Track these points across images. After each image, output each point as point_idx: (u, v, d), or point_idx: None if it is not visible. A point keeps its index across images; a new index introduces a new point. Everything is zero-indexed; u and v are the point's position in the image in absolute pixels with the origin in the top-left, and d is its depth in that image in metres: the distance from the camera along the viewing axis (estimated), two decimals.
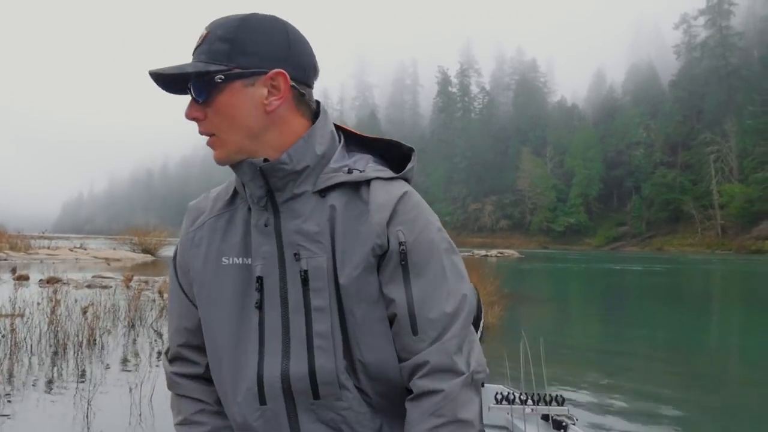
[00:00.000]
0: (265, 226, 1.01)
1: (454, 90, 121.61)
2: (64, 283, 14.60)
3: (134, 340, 8.01)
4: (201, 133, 1.00)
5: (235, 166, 1.01)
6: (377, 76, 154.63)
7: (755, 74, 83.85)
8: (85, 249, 30.85)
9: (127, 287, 9.21)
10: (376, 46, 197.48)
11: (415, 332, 0.97)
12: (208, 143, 1.01)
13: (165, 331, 8.51)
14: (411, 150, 1.16)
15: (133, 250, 31.82)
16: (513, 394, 2.61)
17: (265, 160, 0.99)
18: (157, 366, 6.49)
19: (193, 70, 0.95)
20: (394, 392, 1.02)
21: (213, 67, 0.95)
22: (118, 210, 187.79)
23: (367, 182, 1.03)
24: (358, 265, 0.97)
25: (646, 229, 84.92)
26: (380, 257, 0.99)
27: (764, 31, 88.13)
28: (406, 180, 1.11)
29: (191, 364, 1.12)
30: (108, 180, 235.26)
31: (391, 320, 0.99)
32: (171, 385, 1.13)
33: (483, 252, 49.91)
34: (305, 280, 0.98)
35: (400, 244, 0.99)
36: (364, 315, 0.98)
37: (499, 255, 49.67)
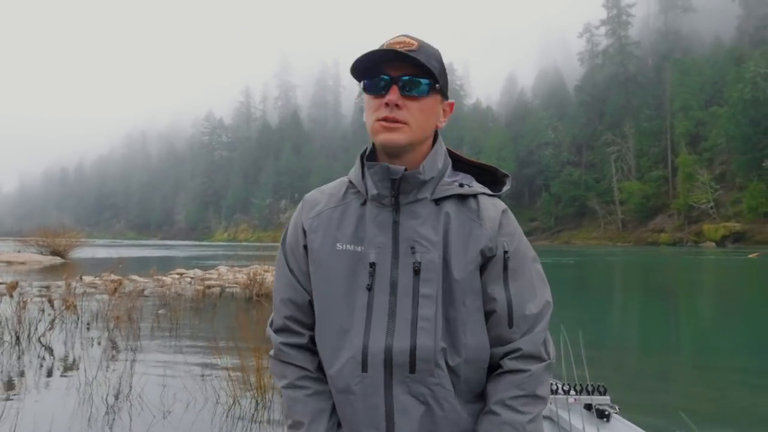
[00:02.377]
0: (388, 222, 1.17)
1: None
2: None
3: (19, 356, 6.75)
4: (391, 118, 1.16)
5: (371, 167, 1.20)
6: (300, 77, 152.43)
7: (650, 81, 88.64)
8: None
9: (11, 296, 7.82)
10: (299, 47, 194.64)
11: (510, 325, 1.16)
12: (388, 126, 1.16)
13: (55, 345, 7.27)
14: (506, 176, 1.29)
15: (41, 252, 29.18)
16: (556, 384, 2.61)
17: (406, 169, 1.17)
18: (45, 388, 5.35)
19: (426, 63, 1.14)
20: (477, 376, 1.17)
21: (428, 78, 1.15)
22: (30, 210, 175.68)
23: (475, 196, 1.21)
24: (471, 262, 1.14)
25: (555, 223, 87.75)
26: (488, 259, 1.16)
27: (657, 41, 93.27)
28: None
29: (296, 335, 1.25)
30: (18, 179, 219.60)
31: (490, 314, 1.17)
32: (278, 354, 1.26)
33: None
34: (417, 271, 1.13)
35: (505, 252, 1.17)
36: (471, 305, 1.14)
37: None
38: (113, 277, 13.29)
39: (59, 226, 34.52)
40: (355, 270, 1.16)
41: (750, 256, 41.70)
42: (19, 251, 30.03)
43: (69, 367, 6.32)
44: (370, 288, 1.14)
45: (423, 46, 1.15)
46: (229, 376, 4.75)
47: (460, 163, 1.30)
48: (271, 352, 1.28)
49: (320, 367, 1.22)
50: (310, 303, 1.22)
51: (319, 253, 1.20)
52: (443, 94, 1.20)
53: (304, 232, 1.23)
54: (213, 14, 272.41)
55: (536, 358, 1.17)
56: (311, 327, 1.23)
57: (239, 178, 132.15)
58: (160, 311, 9.91)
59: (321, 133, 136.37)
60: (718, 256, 44.23)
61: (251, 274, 14.04)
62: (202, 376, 5.50)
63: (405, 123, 1.15)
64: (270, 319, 1.30)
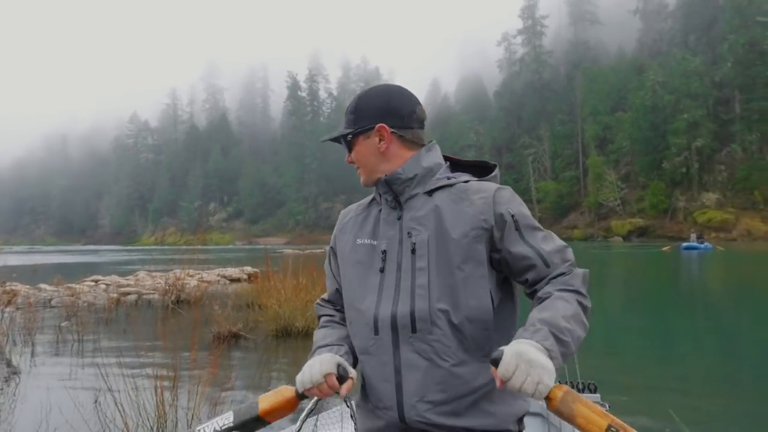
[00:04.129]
0: (394, 219, 1.40)
1: (304, 95, 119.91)
2: None
3: None
4: (356, 168, 1.48)
5: (375, 183, 1.46)
6: (227, 80, 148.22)
7: (563, 87, 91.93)
8: None
9: None
10: (225, 50, 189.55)
11: (548, 266, 1.32)
12: (358, 173, 1.47)
13: None
14: (495, 165, 1.49)
15: None
16: None
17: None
18: None
19: (337, 134, 1.47)
20: (482, 334, 1.32)
21: (346, 131, 1.44)
22: None
23: (465, 182, 1.41)
24: (465, 235, 1.32)
25: None
26: (490, 230, 1.33)
27: (569, 51, 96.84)
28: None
29: (329, 310, 1.57)
30: None
31: (528, 269, 1.33)
32: (317, 309, 1.59)
33: None
34: (413, 250, 1.35)
35: (512, 216, 1.35)
36: (470, 271, 1.31)
37: None
38: (9, 286, 11.86)
39: None
40: (371, 258, 1.40)
41: (663, 249, 43.70)
42: None
43: None
44: (382, 270, 1.37)
45: (347, 107, 1.48)
46: (128, 400, 3.93)
47: (459, 166, 1.50)
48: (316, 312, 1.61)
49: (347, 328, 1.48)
50: (338, 291, 1.52)
51: (343, 248, 1.48)
52: (364, 130, 1.43)
53: (336, 237, 1.54)
54: (136, 15, 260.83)
55: (574, 271, 1.33)
56: (342, 309, 1.51)
57: (166, 181, 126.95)
58: (62, 324, 8.77)
59: (250, 136, 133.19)
60: (630, 250, 46.09)
61: (171, 278, 12.93)
62: (95, 402, 4.62)
63: (358, 167, 1.47)
64: (322, 295, 1.62)
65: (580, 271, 1.33)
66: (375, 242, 1.41)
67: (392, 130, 1.41)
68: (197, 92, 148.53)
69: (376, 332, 1.34)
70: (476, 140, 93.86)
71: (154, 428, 3.81)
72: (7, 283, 13.27)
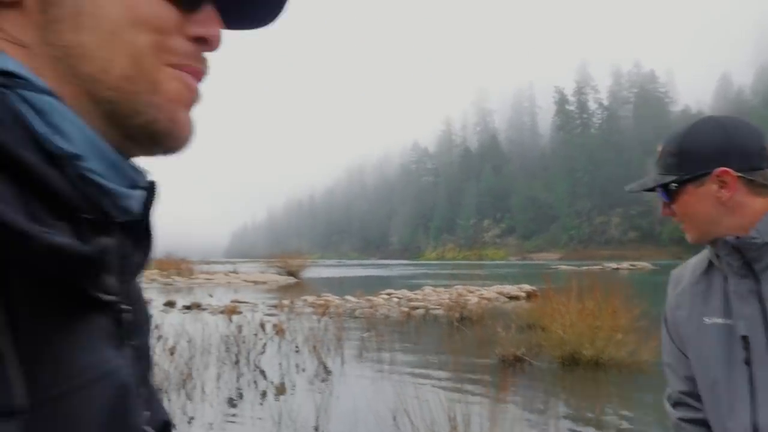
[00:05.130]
0: (749, 292, 1.07)
1: (572, 108, 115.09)
2: (203, 309, 14.21)
3: (238, 377, 6.76)
4: (676, 221, 1.15)
5: (712, 242, 1.13)
6: (496, 102, 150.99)
7: None
8: (237, 273, 31.43)
9: (230, 320, 7.99)
10: (493, 73, 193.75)
11: None
12: (681, 228, 1.15)
13: (268, 368, 7.19)
14: None
15: (279, 273, 31.96)
16: None
17: (737, 237, 1.07)
18: (261, 404, 5.11)
19: (653, 184, 1.14)
20: None
21: (669, 178, 1.12)
22: (276, 237, 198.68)
23: None
24: None
25: None
26: None
27: None
28: None
29: (693, 410, 1.20)
30: (267, 211, 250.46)
31: None
32: (677, 428, 1.24)
33: (613, 265, 45.09)
34: None
35: None
36: None
37: (630, 267, 44.54)
38: (325, 298, 13.51)
39: (295, 250, 37.72)
40: (729, 344, 1.09)
41: None
42: (262, 272, 33.32)
43: (280, 390, 6.14)
44: (748, 362, 1.06)
45: (663, 149, 1.15)
46: (420, 416, 3.92)
47: None
48: (672, 423, 1.25)
49: None
50: (689, 379, 1.20)
51: (687, 328, 1.17)
52: (697, 176, 1.10)
53: (672, 312, 1.23)
54: (414, 54, 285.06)
55: None
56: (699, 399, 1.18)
57: (444, 201, 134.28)
58: (364, 334, 9.58)
59: (519, 153, 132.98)
60: None
61: (454, 295, 13.28)
62: (393, 419, 4.75)
63: (683, 222, 1.14)
64: (667, 392, 1.27)
65: None
66: (729, 322, 1.10)
67: (739, 174, 1.08)
68: (469, 116, 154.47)
69: None
70: None
71: None
72: (322, 295, 15.26)
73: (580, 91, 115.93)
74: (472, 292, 15.69)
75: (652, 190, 1.16)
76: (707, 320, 1.12)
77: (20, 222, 0.31)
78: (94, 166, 0.39)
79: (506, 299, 16.68)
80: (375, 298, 15.16)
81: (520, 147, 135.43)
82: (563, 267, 40.85)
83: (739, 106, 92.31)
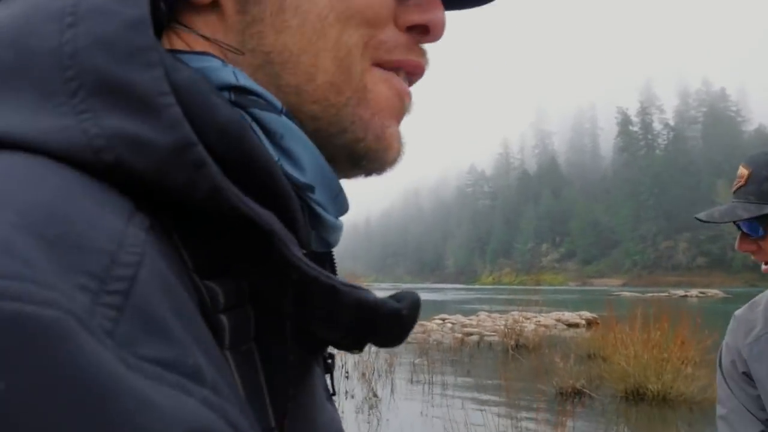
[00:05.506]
0: None
1: (636, 129, 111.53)
2: None
3: None
4: (756, 260, 0.99)
5: None
6: (556, 123, 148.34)
7: None
8: None
9: None
10: (553, 94, 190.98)
11: None
12: (763, 269, 0.99)
13: None
14: None
15: None
16: None
17: None
18: None
19: (748, 216, 0.96)
20: None
21: (766, 209, 0.93)
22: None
23: None
24: None
25: None
26: None
27: None
28: None
29: None
30: None
31: None
32: None
33: (681, 292, 42.81)
34: None
35: None
36: None
37: (700, 295, 42.11)
38: None
39: (350, 273, 37.85)
40: None
41: None
42: None
43: None
44: None
45: (754, 172, 0.97)
46: None
47: None
48: None
49: None
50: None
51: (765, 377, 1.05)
52: None
53: (743, 358, 1.10)
54: (467, 75, 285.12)
55: None
56: None
57: (501, 225, 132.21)
58: (416, 360, 9.37)
59: (579, 176, 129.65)
60: None
61: (510, 321, 12.87)
62: None
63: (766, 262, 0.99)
64: None
65: None
66: None
67: None
68: (527, 139, 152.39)
69: None
70: None
71: None
72: None
73: (644, 111, 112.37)
74: (528, 318, 15.19)
75: (731, 221, 0.98)
76: None
77: (329, 278, 0.30)
78: (320, 197, 0.36)
79: (565, 327, 16.06)
80: (428, 323, 14.92)
81: (580, 169, 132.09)
82: (626, 293, 39.12)
83: None
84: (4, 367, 0.18)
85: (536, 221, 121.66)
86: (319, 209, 0.36)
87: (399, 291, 0.35)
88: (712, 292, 45.32)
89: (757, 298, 1.08)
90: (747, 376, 1.06)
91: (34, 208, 0.24)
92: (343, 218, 0.36)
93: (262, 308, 0.32)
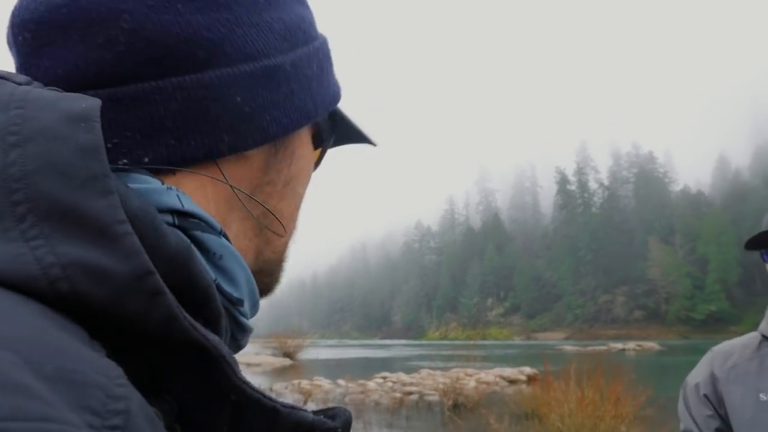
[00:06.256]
0: None
1: (573, 188, 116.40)
2: None
3: None
4: None
5: None
6: (498, 181, 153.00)
7: None
8: None
9: None
10: (495, 153, 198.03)
11: None
12: None
13: None
14: None
15: (275, 354, 30.89)
16: None
17: None
18: None
19: None
20: None
21: None
22: (278, 315, 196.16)
23: None
24: None
25: None
26: None
27: None
28: None
29: None
30: None
31: None
32: None
33: (619, 345, 43.67)
34: None
35: None
36: None
37: (637, 348, 43.07)
38: (317, 382, 12.82)
39: (295, 329, 36.63)
40: None
41: None
42: (257, 353, 32.25)
43: None
44: None
45: None
46: None
47: None
48: None
49: None
50: None
51: (742, 405, 1.17)
52: None
53: (712, 381, 1.23)
54: (413, 134, 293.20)
55: None
56: None
57: (447, 280, 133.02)
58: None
59: (522, 233, 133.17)
60: None
61: (452, 378, 12.58)
62: None
63: None
64: None
65: None
66: None
67: None
68: (471, 196, 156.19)
69: None
70: None
71: None
72: (315, 378, 14.54)
73: (580, 171, 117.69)
74: (470, 375, 14.94)
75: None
76: (764, 397, 1.14)
77: (271, 400, 0.33)
78: (246, 307, 0.40)
79: (506, 383, 15.86)
80: (368, 382, 14.41)
81: (522, 226, 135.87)
82: (568, 347, 39.50)
83: (738, 187, 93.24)
84: None
85: (481, 276, 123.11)
86: (242, 319, 0.40)
87: (332, 407, 0.38)
88: (649, 344, 46.48)
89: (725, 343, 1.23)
90: (707, 398, 1.19)
91: (25, 345, 0.24)
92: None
93: (191, 428, 0.32)
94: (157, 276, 0.29)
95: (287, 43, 0.43)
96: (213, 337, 0.31)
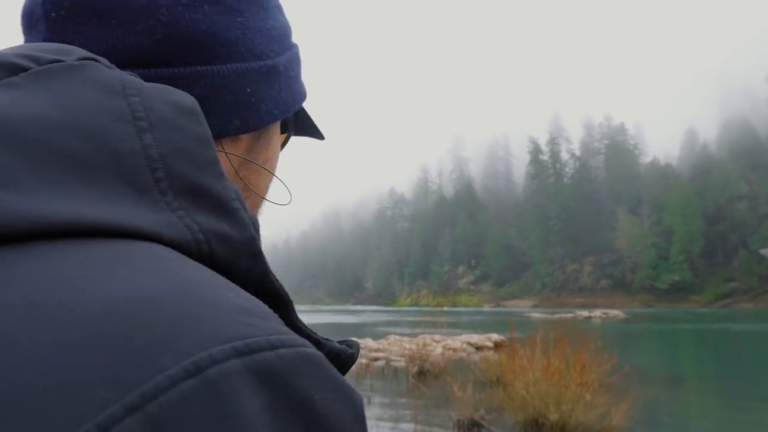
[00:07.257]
0: None
1: (545, 158, 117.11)
2: None
3: None
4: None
5: None
6: (472, 150, 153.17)
7: None
8: None
9: None
10: (470, 123, 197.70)
11: None
12: None
13: None
14: None
15: None
16: None
17: None
18: None
19: None
20: None
21: None
22: None
23: None
24: None
25: (759, 284, 74.35)
26: None
27: None
28: None
29: None
30: None
31: None
32: None
33: (585, 313, 44.58)
34: None
35: None
36: None
37: (603, 316, 44.03)
38: None
39: None
40: None
41: None
42: None
43: None
44: None
45: None
46: None
47: None
48: None
49: None
50: None
51: None
52: None
53: None
54: (388, 101, 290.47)
55: None
56: None
57: (419, 247, 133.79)
58: None
59: (494, 202, 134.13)
60: None
61: (419, 344, 12.43)
62: None
63: None
64: None
65: None
66: None
67: None
68: (445, 164, 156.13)
69: None
70: (749, 190, 79.72)
71: None
72: None
73: (553, 142, 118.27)
74: (437, 341, 14.85)
75: None
76: None
77: (315, 334, 0.40)
78: None
79: (473, 350, 15.85)
80: None
81: (495, 195, 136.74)
82: (536, 315, 40.16)
83: (705, 159, 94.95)
84: (320, 386, 0.28)
85: (453, 244, 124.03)
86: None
87: (347, 339, 0.46)
88: (614, 312, 47.58)
89: None
90: None
91: (221, 285, 0.31)
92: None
93: None
94: (259, 242, 0.38)
95: (280, 47, 0.54)
96: (284, 289, 0.39)
